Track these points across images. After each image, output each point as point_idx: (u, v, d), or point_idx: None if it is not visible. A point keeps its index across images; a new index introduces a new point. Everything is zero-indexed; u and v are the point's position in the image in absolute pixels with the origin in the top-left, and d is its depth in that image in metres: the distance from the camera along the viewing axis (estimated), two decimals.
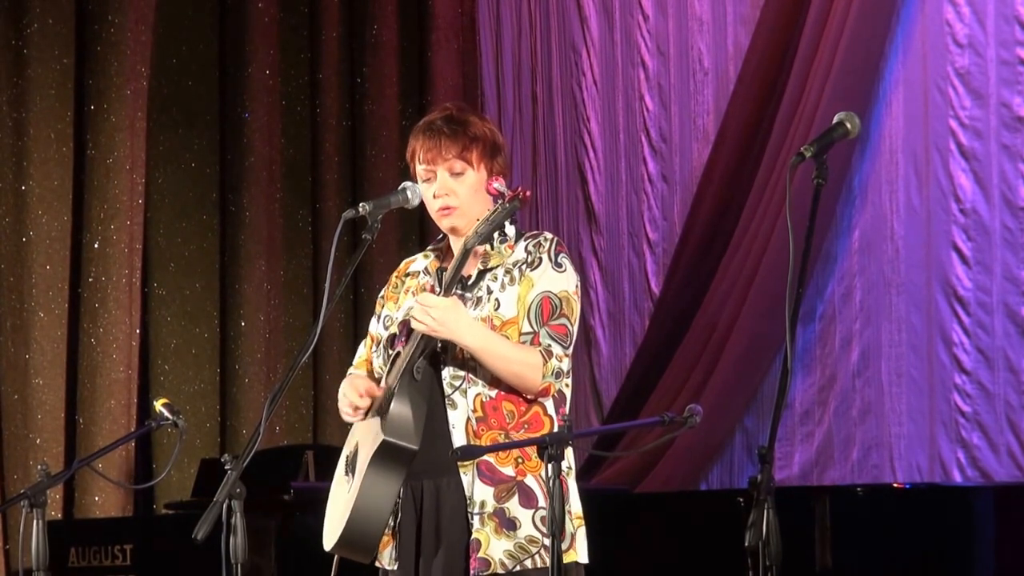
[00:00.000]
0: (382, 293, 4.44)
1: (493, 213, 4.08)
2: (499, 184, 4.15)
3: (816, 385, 7.81)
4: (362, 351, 4.46)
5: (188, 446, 8.36)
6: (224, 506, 3.91)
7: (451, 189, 4.26)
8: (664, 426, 4.05)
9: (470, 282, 4.21)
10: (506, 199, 4.09)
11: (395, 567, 4.20)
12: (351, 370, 4.46)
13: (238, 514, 3.93)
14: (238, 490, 3.92)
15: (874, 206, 7.70)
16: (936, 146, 7.52)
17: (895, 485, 6.99)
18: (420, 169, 4.29)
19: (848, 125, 3.72)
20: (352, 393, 4.29)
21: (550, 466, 3.81)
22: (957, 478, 7.37)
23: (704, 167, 8.23)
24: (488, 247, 4.20)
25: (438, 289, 4.19)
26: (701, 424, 4.00)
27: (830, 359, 7.78)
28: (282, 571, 6.53)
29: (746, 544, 3.40)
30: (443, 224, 4.28)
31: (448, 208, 4.25)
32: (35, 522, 4.63)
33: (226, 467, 3.95)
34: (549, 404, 4.21)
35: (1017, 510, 6.34)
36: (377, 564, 4.24)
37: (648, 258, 8.59)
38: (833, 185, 7.50)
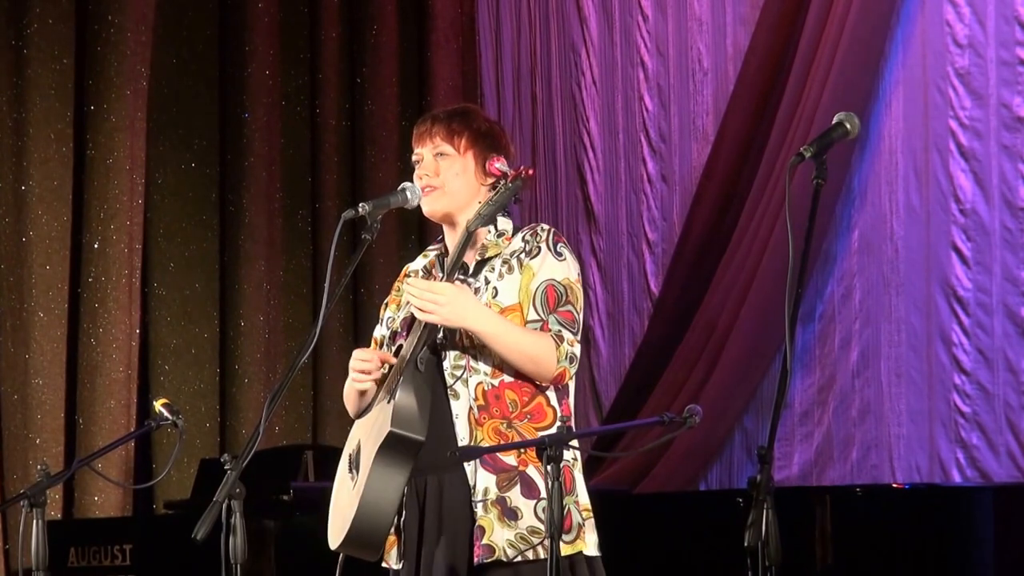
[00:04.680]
0: (386, 300, 4.44)
1: (496, 193, 4.09)
2: (501, 164, 4.16)
3: (815, 385, 7.81)
4: None
5: (188, 446, 8.36)
6: (224, 506, 3.91)
7: (432, 169, 4.27)
8: (664, 426, 4.05)
9: (469, 273, 4.20)
10: (508, 179, 4.09)
11: (400, 566, 4.19)
12: None
13: (238, 514, 3.92)
14: (238, 490, 3.92)
15: (874, 206, 7.70)
16: (936, 146, 7.52)
17: (894, 485, 7.00)
18: (414, 154, 4.31)
19: (848, 125, 3.72)
20: (366, 354, 4.25)
21: (549, 468, 3.81)
22: (956, 478, 7.37)
23: (704, 167, 8.24)
24: (486, 238, 4.20)
25: (440, 275, 4.18)
26: (701, 424, 4.00)
27: (830, 359, 7.79)
28: (282, 571, 6.53)
29: (746, 544, 3.41)
30: (424, 206, 4.27)
31: (428, 187, 4.26)
32: (35, 522, 4.63)
33: (226, 467, 3.95)
34: (553, 395, 4.19)
35: (1017, 510, 6.34)
36: (385, 564, 4.23)
37: (647, 258, 8.59)
38: (833, 185, 7.50)
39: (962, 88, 7.46)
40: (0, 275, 8.30)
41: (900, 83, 7.65)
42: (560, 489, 3.82)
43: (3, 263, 8.30)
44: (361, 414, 4.31)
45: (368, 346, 4.42)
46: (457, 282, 4.13)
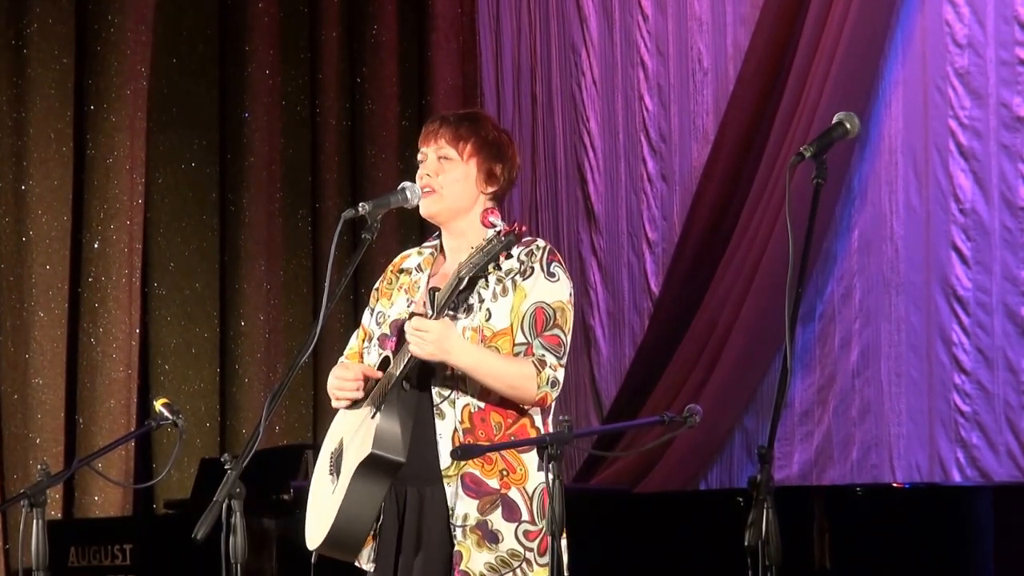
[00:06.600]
0: (377, 285, 4.46)
1: (489, 244, 4.07)
2: (494, 218, 4.18)
3: (816, 385, 7.81)
4: (353, 343, 4.48)
5: (188, 446, 8.37)
6: (224, 506, 3.92)
7: (434, 171, 4.28)
8: (664, 426, 4.06)
9: (462, 287, 4.21)
10: (502, 233, 4.08)
11: (371, 568, 4.22)
12: (342, 360, 4.48)
13: (238, 514, 3.93)
14: (238, 490, 3.93)
15: (873, 206, 7.70)
16: (936, 146, 7.52)
17: (894, 485, 7.00)
18: (419, 153, 4.31)
19: (847, 125, 3.72)
20: (346, 373, 4.27)
21: (550, 467, 3.81)
22: (956, 478, 7.37)
23: (704, 167, 8.23)
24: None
25: (430, 312, 4.19)
26: (701, 424, 4.01)
27: (830, 359, 7.78)
28: (282, 571, 6.54)
29: (746, 544, 3.41)
30: (421, 207, 4.27)
31: (427, 188, 4.25)
32: (35, 522, 4.64)
33: (226, 467, 3.96)
34: (537, 416, 4.24)
35: (1016, 510, 6.34)
36: (356, 564, 4.25)
37: (648, 258, 8.59)
38: (833, 185, 7.50)
39: (962, 88, 7.46)
40: (0, 275, 8.30)
41: (900, 83, 7.64)
42: (561, 487, 3.83)
43: (3, 263, 8.30)
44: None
45: (357, 332, 4.43)
46: (446, 318, 4.13)
